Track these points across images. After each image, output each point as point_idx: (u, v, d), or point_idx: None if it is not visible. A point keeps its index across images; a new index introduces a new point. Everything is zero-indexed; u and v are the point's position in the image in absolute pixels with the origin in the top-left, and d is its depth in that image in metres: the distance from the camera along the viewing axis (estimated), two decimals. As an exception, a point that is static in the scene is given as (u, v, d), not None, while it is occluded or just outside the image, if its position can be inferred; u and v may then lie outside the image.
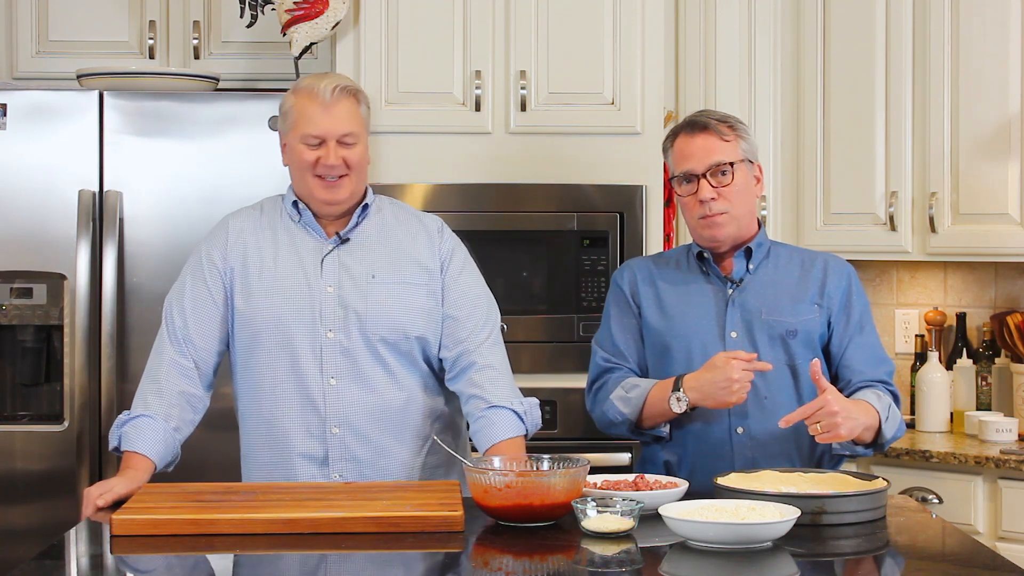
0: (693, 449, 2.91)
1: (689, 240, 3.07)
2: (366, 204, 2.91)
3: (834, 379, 2.91)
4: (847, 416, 2.68)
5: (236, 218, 2.96)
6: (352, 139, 2.84)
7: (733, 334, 2.90)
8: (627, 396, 2.91)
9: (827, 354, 2.94)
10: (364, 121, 2.89)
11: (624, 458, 3.82)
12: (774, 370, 2.85)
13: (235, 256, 2.89)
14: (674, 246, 4.03)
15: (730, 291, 2.94)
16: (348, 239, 2.89)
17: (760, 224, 3.02)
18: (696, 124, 2.93)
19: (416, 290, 2.88)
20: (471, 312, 2.91)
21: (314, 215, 2.90)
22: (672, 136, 2.97)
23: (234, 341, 2.89)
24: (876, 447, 2.84)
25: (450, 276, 2.92)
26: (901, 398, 2.97)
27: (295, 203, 2.91)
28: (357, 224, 2.90)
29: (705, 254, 2.96)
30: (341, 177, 2.84)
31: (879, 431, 2.79)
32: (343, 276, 2.86)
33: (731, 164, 2.88)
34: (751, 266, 2.95)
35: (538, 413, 2.88)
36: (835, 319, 2.93)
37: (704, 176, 2.88)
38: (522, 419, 2.83)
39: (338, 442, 2.84)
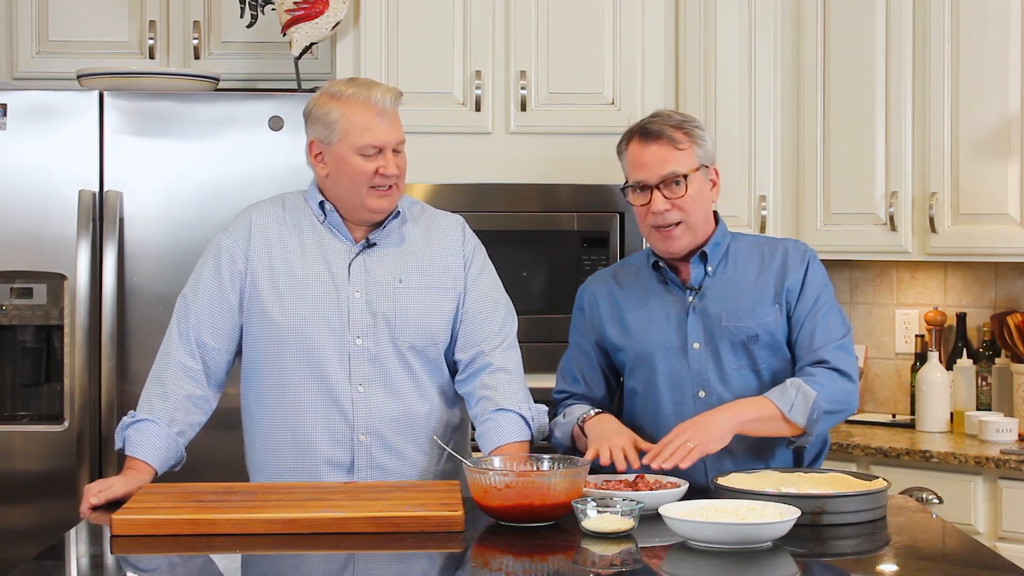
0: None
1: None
2: (398, 209, 2.86)
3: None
4: (700, 430, 2.66)
5: (259, 214, 2.87)
6: (402, 145, 2.82)
7: (695, 345, 2.84)
8: (562, 421, 2.92)
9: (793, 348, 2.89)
10: None
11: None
12: (739, 375, 2.82)
13: (259, 256, 2.82)
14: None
15: (690, 299, 2.87)
16: (375, 243, 2.84)
17: (717, 220, 2.93)
18: (649, 133, 2.82)
19: (443, 294, 2.85)
20: (489, 315, 2.88)
21: (341, 218, 2.84)
22: (626, 140, 2.88)
23: (254, 344, 2.83)
24: (807, 435, 2.75)
25: (470, 276, 2.88)
26: (855, 365, 2.83)
27: (321, 204, 2.84)
28: (384, 227, 2.85)
29: (660, 263, 2.89)
30: (392, 185, 2.80)
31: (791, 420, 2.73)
32: (370, 281, 2.81)
33: (685, 176, 2.80)
34: (709, 269, 2.88)
35: (546, 420, 2.86)
36: (794, 311, 2.86)
37: (657, 187, 2.80)
38: (529, 425, 2.81)
39: (364, 450, 2.81)
